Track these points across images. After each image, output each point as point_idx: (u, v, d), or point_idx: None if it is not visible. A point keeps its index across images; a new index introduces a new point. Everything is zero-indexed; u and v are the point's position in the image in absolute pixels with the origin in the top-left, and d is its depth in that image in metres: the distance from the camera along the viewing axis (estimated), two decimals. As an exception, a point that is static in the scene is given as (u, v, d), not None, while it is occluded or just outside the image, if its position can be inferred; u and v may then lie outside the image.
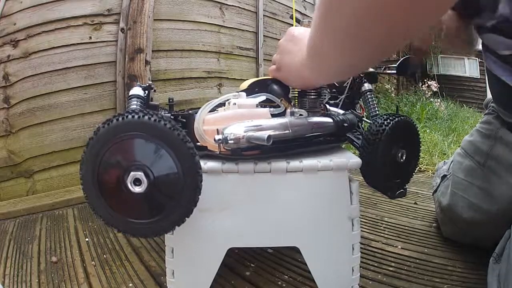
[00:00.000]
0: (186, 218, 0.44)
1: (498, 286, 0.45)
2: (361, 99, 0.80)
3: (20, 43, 1.32)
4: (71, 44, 1.41)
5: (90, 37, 1.44)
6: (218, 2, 1.88)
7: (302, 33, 0.55)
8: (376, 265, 0.69)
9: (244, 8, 2.02)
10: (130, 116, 0.41)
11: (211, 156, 0.52)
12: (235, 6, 1.97)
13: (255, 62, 2.10)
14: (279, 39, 0.60)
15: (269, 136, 0.43)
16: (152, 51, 1.56)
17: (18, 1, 1.32)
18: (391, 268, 0.67)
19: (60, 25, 1.38)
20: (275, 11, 2.25)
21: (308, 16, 2.37)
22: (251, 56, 2.08)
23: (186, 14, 1.73)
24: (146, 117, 0.41)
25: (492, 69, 0.50)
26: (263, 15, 2.13)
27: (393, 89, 3.67)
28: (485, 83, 4.71)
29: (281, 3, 2.29)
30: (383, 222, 0.90)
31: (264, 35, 2.12)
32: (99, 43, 1.47)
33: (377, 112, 0.72)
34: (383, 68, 0.75)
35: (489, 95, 0.72)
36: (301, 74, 0.54)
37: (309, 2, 2.53)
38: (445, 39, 0.58)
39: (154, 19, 1.57)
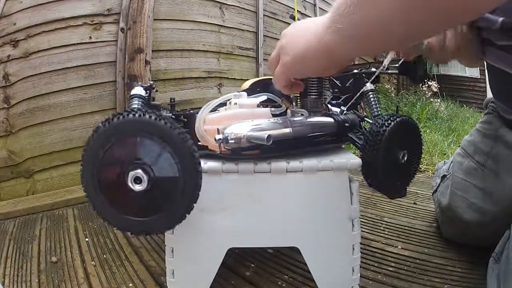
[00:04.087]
0: (187, 215, 0.44)
1: (498, 286, 0.45)
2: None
3: (20, 43, 1.32)
4: (71, 44, 1.41)
5: (90, 37, 1.44)
6: (218, 2, 1.88)
7: (306, 21, 0.47)
8: (376, 265, 0.69)
9: (244, 8, 2.02)
10: (131, 115, 0.41)
11: (211, 155, 0.52)
12: (235, 6, 1.97)
13: (255, 62, 2.10)
14: (279, 39, 0.59)
15: (269, 136, 0.43)
16: (152, 51, 1.56)
17: (18, 1, 1.32)
18: (391, 268, 0.67)
19: (60, 25, 1.38)
20: (275, 11, 2.25)
21: (309, 16, 2.37)
22: (251, 56, 2.08)
23: (186, 14, 1.73)
24: (147, 116, 0.41)
25: (494, 61, 0.49)
26: (263, 15, 2.13)
27: (393, 89, 3.67)
28: (485, 83, 4.72)
29: (281, 3, 2.29)
30: (383, 222, 0.90)
31: (264, 35, 2.12)
32: (99, 43, 1.47)
33: (379, 112, 0.71)
34: (385, 68, 0.74)
35: (489, 95, 0.72)
36: (321, 48, 0.42)
37: (309, 2, 2.53)
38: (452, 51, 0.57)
39: (154, 19, 1.57)
